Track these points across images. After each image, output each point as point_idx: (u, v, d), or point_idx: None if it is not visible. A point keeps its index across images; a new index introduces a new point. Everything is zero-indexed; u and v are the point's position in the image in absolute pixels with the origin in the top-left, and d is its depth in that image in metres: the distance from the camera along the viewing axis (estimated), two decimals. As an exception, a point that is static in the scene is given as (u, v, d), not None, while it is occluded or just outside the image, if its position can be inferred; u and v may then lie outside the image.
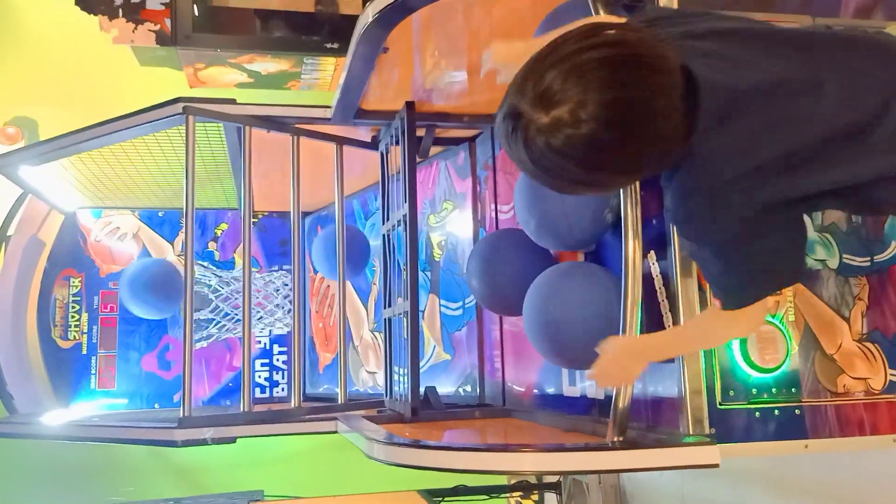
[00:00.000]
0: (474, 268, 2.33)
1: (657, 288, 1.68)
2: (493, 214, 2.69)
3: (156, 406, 3.58)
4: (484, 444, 1.96)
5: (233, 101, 2.47)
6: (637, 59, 0.97)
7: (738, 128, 1.07)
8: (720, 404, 1.59)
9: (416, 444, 1.67)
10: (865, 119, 1.10)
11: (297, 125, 2.60)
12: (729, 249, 1.14)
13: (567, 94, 0.93)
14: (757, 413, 1.60)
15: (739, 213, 1.10)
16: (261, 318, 3.71)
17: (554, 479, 3.96)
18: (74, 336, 3.54)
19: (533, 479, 4.22)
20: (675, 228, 1.20)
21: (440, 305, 2.95)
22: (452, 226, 2.93)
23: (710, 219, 1.12)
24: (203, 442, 2.25)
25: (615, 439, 1.54)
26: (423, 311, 2.98)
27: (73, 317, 3.54)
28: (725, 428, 1.58)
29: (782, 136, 1.09)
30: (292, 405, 2.55)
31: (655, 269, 1.68)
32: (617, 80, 0.94)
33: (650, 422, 1.73)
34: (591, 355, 1.43)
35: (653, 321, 1.65)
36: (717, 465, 1.49)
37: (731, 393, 1.61)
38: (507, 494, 4.15)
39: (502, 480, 4.06)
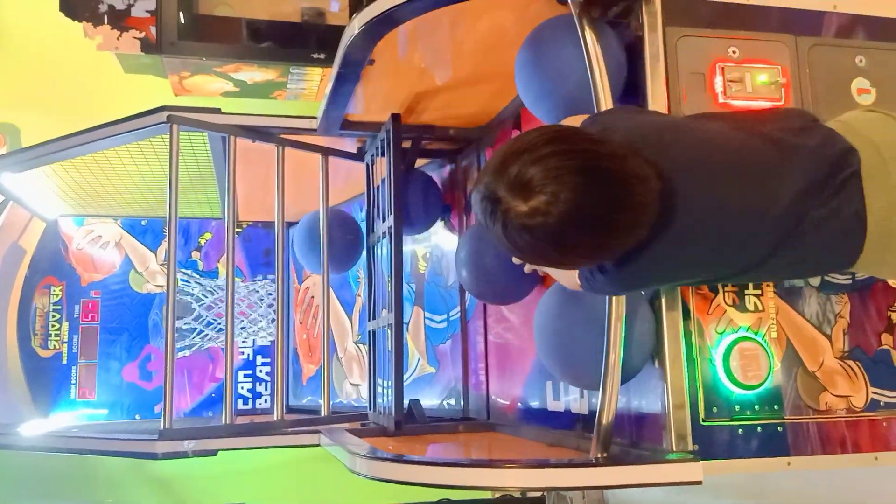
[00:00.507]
0: (463, 257, 2.32)
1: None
2: (479, 227, 2.69)
3: (137, 417, 3.54)
4: (467, 459, 1.95)
5: (217, 111, 2.45)
6: (607, 175, 1.12)
7: (692, 248, 1.27)
8: (703, 420, 1.60)
9: (399, 459, 1.66)
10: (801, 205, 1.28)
11: (282, 135, 2.59)
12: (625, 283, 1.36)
13: (544, 189, 1.08)
14: (740, 430, 1.61)
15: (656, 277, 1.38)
16: (244, 327, 3.68)
17: (539, 493, 3.95)
18: (55, 345, 3.49)
19: (517, 494, 4.21)
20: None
21: (424, 318, 2.94)
22: (437, 238, 2.93)
23: (633, 272, 1.29)
24: (184, 455, 2.23)
25: (598, 455, 1.54)
26: (408, 324, 2.97)
27: (53, 325, 3.50)
28: (708, 444, 1.58)
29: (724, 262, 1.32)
30: (275, 417, 2.53)
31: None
32: (587, 189, 1.10)
33: (634, 437, 1.73)
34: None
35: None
36: (699, 483, 1.49)
37: (715, 409, 1.61)
38: (491, 508, 4.13)
39: (487, 495, 4.04)
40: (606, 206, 1.12)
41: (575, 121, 1.43)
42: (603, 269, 1.30)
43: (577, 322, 1.69)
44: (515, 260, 1.68)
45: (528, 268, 2.01)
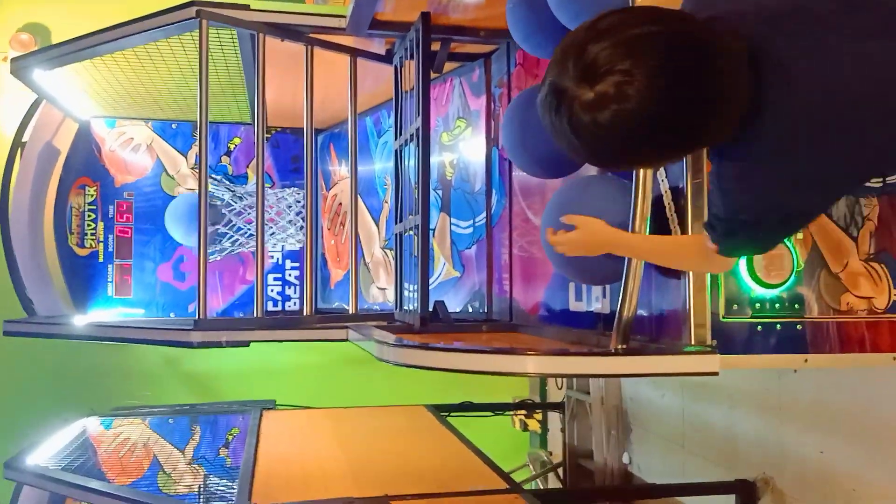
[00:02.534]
0: (507, 127, 2.23)
1: (666, 203, 1.69)
2: (507, 132, 2.68)
3: (171, 315, 3.66)
4: (490, 347, 2.01)
5: (247, 7, 2.44)
6: (687, 38, 0.93)
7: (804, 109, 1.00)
8: (723, 317, 1.62)
9: (425, 346, 1.71)
10: None
11: (311, 35, 2.57)
12: (756, 212, 1.12)
13: (613, 68, 0.89)
14: (759, 327, 1.63)
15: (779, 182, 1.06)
16: (273, 233, 3.75)
17: (558, 399, 4.06)
18: (91, 244, 3.60)
19: (537, 399, 4.33)
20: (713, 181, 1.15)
21: (451, 224, 2.97)
22: (465, 144, 2.92)
23: (758, 187, 1.08)
24: (218, 344, 2.32)
25: (619, 347, 1.58)
26: (434, 230, 3.01)
27: (89, 225, 3.59)
28: (727, 340, 1.61)
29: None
30: (305, 314, 2.61)
31: (665, 185, 1.68)
32: (665, 57, 0.90)
33: (654, 334, 1.76)
34: (606, 269, 1.48)
35: (661, 231, 1.66)
36: (716, 374, 1.53)
37: (735, 307, 1.63)
38: (512, 413, 4.27)
39: (507, 399, 4.17)
40: (689, 79, 0.92)
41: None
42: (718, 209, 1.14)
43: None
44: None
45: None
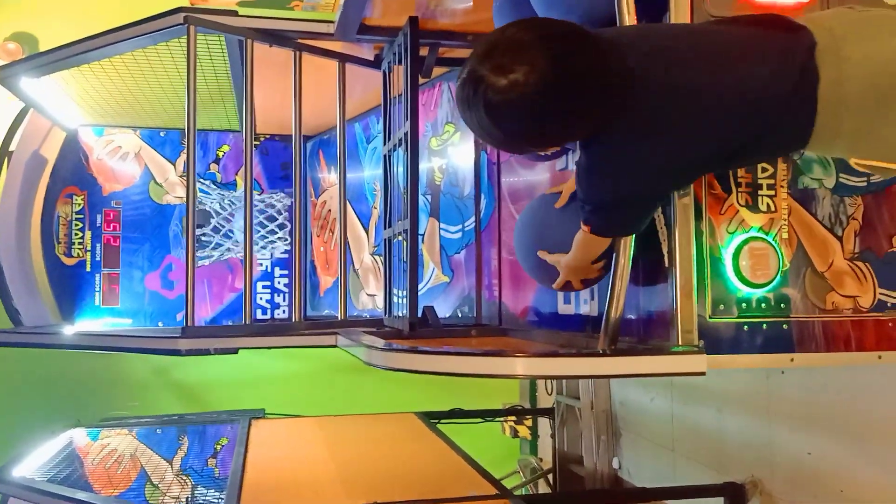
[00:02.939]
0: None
1: (655, 217, 1.70)
2: (495, 137, 2.69)
3: (159, 324, 3.64)
4: (479, 349, 2.01)
5: (235, 13, 2.44)
6: (578, 48, 1.25)
7: (664, 102, 1.34)
8: (710, 318, 1.63)
9: (413, 350, 1.71)
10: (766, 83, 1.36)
11: (299, 40, 2.58)
12: (625, 194, 1.44)
13: (522, 62, 1.20)
14: (745, 327, 1.64)
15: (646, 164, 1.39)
16: (262, 237, 3.74)
17: (548, 404, 4.06)
18: (78, 253, 3.58)
19: (527, 405, 4.33)
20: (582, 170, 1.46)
21: (440, 228, 2.97)
22: (454, 149, 2.93)
23: (625, 163, 1.39)
24: (206, 351, 2.32)
25: (606, 348, 1.58)
26: (423, 234, 3.01)
27: (76, 234, 3.57)
28: (714, 341, 1.62)
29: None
30: (293, 321, 2.60)
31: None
32: (559, 56, 1.22)
33: (641, 336, 1.77)
34: None
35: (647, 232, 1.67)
36: (703, 374, 1.54)
37: (721, 307, 1.64)
38: (502, 419, 4.27)
39: (497, 405, 4.17)
40: (577, 73, 1.24)
41: None
42: (585, 197, 1.46)
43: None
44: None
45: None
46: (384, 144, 2.80)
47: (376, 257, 3.39)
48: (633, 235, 1.55)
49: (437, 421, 3.40)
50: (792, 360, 1.65)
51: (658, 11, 1.60)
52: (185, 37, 2.35)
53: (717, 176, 1.64)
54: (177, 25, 2.35)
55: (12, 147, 3.23)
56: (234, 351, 2.36)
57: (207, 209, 3.64)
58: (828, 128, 1.37)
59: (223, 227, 3.69)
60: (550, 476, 3.91)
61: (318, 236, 3.79)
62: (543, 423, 4.24)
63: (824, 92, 1.33)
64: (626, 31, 1.45)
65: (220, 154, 3.75)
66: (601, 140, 1.35)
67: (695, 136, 1.37)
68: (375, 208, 3.41)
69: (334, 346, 2.45)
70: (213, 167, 3.74)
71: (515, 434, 4.33)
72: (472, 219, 2.79)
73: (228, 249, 3.70)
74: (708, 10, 1.61)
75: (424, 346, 2.25)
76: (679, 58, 1.35)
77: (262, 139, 3.76)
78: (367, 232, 3.47)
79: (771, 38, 1.38)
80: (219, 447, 3.04)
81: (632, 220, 1.51)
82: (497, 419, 4.19)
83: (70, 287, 3.56)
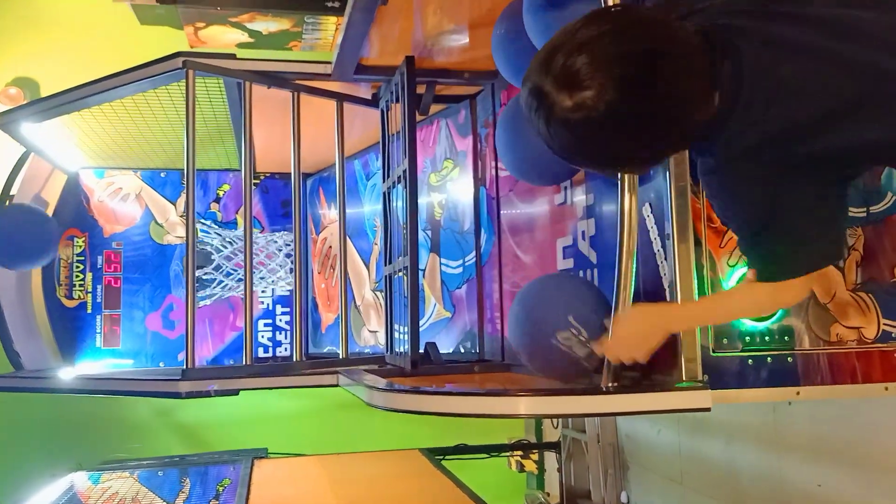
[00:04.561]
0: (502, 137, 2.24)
1: (652, 239, 1.70)
2: (494, 172, 2.70)
3: (161, 365, 3.62)
4: (482, 389, 1.99)
5: (233, 57, 2.47)
6: (658, 55, 1.02)
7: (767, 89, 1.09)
8: (714, 352, 1.62)
9: (416, 391, 1.70)
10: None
11: (297, 81, 2.60)
12: (754, 220, 1.18)
13: (589, 81, 1.00)
14: (750, 360, 1.63)
15: (756, 179, 1.13)
16: (263, 277, 3.74)
17: (554, 438, 4.02)
18: (79, 295, 3.57)
19: (533, 439, 4.28)
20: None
21: (440, 264, 2.97)
22: (453, 184, 2.94)
23: (732, 187, 1.16)
24: (207, 394, 2.29)
25: (609, 385, 1.56)
26: (424, 270, 3.01)
27: (77, 276, 3.58)
28: (718, 375, 1.60)
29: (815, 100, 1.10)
30: (295, 360, 2.59)
31: (651, 221, 1.69)
32: (636, 74, 1.01)
33: (645, 369, 1.75)
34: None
35: (648, 273, 1.66)
36: (708, 409, 1.52)
37: (725, 341, 1.63)
38: (508, 454, 4.21)
39: (502, 440, 4.12)
40: (653, 100, 1.02)
41: None
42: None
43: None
44: None
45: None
46: (383, 181, 2.81)
47: (377, 293, 3.39)
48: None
49: (441, 457, 3.36)
50: (798, 393, 1.64)
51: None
52: (185, 80, 2.37)
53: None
54: (176, 70, 2.37)
55: (13, 191, 3.24)
56: (236, 392, 2.34)
57: (208, 249, 3.64)
58: None
59: (224, 265, 3.69)
60: (558, 511, 3.85)
61: (319, 273, 3.78)
62: (550, 457, 4.19)
63: None
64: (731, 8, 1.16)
65: (221, 193, 3.76)
66: (711, 162, 1.16)
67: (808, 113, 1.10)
68: (376, 244, 3.41)
69: (336, 386, 2.43)
70: (214, 206, 3.75)
71: (522, 468, 4.28)
72: (473, 253, 2.79)
73: (230, 288, 3.69)
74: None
75: (427, 384, 2.23)
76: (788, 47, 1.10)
77: (262, 177, 3.78)
78: (367, 268, 3.47)
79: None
80: (221, 489, 3.00)
81: (799, 246, 1.19)
82: (503, 454, 4.13)
83: (71, 329, 3.55)
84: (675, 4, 1.23)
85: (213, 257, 3.68)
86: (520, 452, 4.16)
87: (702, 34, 1.08)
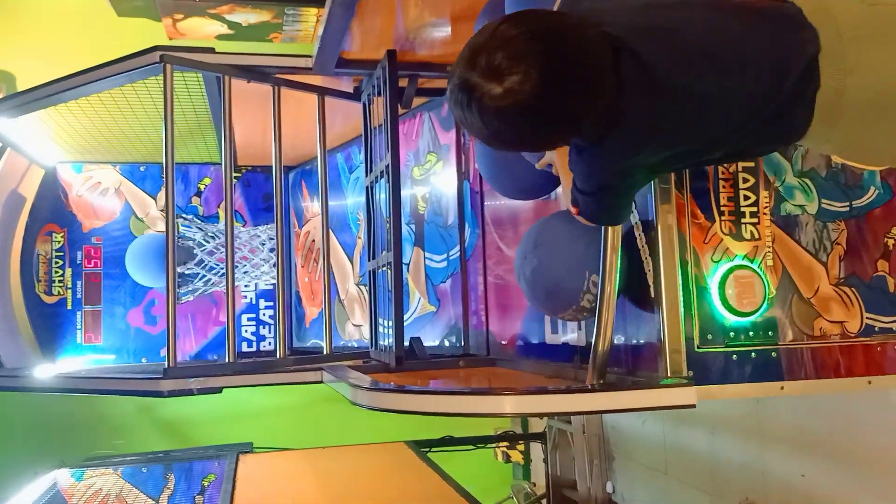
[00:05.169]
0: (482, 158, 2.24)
1: (637, 235, 1.69)
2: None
3: (143, 361, 3.59)
4: (467, 388, 1.99)
5: (211, 51, 2.43)
6: (567, 47, 1.17)
7: (661, 106, 1.26)
8: (698, 348, 1.62)
9: (400, 390, 1.69)
10: (766, 91, 1.27)
11: (277, 75, 2.57)
12: (597, 183, 1.38)
13: (514, 69, 1.13)
14: (734, 356, 1.63)
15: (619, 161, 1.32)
16: (246, 272, 3.70)
17: (539, 429, 4.03)
18: (59, 291, 3.53)
19: (519, 430, 4.29)
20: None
21: (424, 258, 2.96)
22: (436, 178, 2.92)
23: (597, 158, 1.33)
24: (189, 392, 2.27)
25: (594, 382, 1.56)
26: (408, 264, 2.99)
27: (56, 272, 3.53)
28: (703, 371, 1.61)
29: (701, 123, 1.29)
30: (278, 356, 2.57)
31: (635, 218, 1.69)
32: (551, 60, 1.15)
33: (630, 367, 1.75)
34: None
35: (633, 264, 1.66)
36: (693, 406, 1.52)
37: (709, 336, 1.63)
38: (494, 445, 4.22)
39: (489, 431, 4.13)
40: (571, 74, 1.17)
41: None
42: (585, 184, 1.38)
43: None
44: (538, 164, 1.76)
45: (539, 163, 1.88)
46: (366, 176, 2.78)
47: (362, 287, 3.37)
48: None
49: (427, 450, 3.36)
50: (782, 388, 1.64)
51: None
52: (162, 75, 2.33)
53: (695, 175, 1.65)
54: (153, 64, 2.33)
55: (-11, 187, 3.19)
56: (218, 390, 2.32)
57: (190, 244, 3.60)
58: (820, 132, 1.32)
59: (206, 260, 3.65)
60: (544, 501, 3.87)
61: (302, 267, 3.76)
62: (536, 448, 4.21)
63: (822, 99, 1.27)
64: (616, 9, 1.31)
65: (202, 187, 3.72)
66: (595, 138, 1.29)
67: (690, 137, 1.31)
68: (360, 238, 3.39)
69: (320, 382, 2.41)
70: (195, 200, 3.71)
71: (508, 459, 4.29)
72: (457, 247, 2.78)
73: (212, 283, 3.65)
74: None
75: (412, 381, 2.22)
76: (683, 59, 1.25)
77: (243, 171, 3.74)
78: (351, 262, 3.45)
79: (777, 38, 1.29)
80: (206, 483, 2.99)
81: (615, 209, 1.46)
82: (489, 445, 4.15)
83: (51, 326, 3.51)
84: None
85: (195, 252, 3.63)
86: (506, 443, 4.17)
87: (603, 33, 1.22)
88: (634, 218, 1.68)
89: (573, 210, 1.46)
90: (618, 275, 1.56)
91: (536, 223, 1.91)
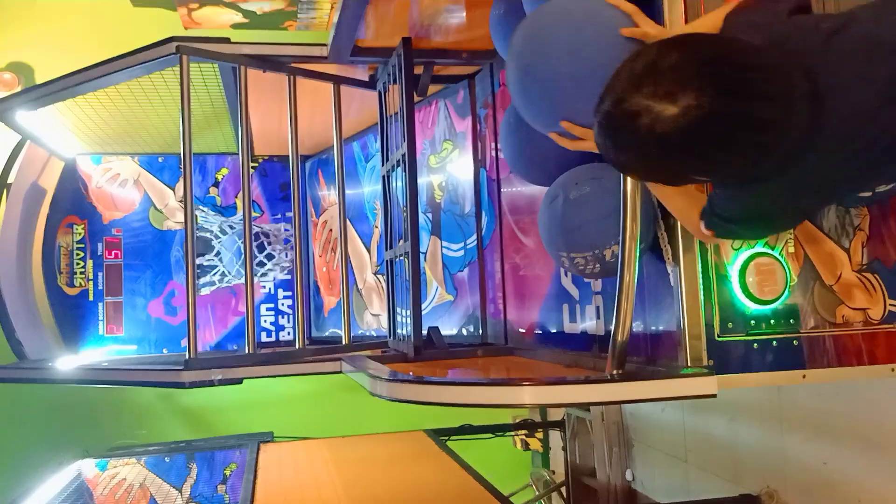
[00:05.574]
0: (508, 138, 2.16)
1: (656, 221, 1.67)
2: (494, 153, 2.67)
3: (164, 351, 3.62)
4: (486, 378, 1.98)
5: (227, 41, 2.42)
6: (743, 72, 1.09)
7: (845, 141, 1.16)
8: (718, 336, 1.60)
9: (419, 380, 1.69)
10: None
11: (293, 64, 2.56)
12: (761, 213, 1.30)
13: (688, 89, 1.06)
14: (755, 344, 1.61)
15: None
16: (260, 263, 3.72)
17: (558, 417, 4.03)
18: (80, 283, 3.56)
19: (537, 418, 4.29)
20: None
21: (442, 247, 2.95)
22: (453, 166, 2.91)
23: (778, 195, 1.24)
24: (210, 383, 2.29)
25: (614, 372, 1.55)
26: (426, 253, 2.99)
27: (77, 264, 3.56)
28: (723, 359, 1.59)
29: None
30: (297, 347, 2.58)
31: (654, 203, 1.66)
32: (726, 82, 1.08)
33: (649, 356, 1.74)
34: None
35: (651, 256, 1.65)
36: (714, 396, 1.51)
37: (730, 325, 1.61)
38: (512, 433, 4.23)
39: (507, 419, 4.13)
40: (748, 98, 1.09)
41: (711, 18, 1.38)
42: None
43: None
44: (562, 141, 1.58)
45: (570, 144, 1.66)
46: (382, 164, 2.78)
47: (379, 276, 3.37)
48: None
49: (447, 438, 3.37)
50: (804, 376, 1.62)
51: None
52: (179, 66, 2.33)
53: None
54: (170, 55, 2.33)
55: (10, 179, 3.22)
56: (239, 381, 2.33)
57: (208, 236, 3.62)
58: None
59: (226, 251, 3.67)
60: (564, 489, 3.87)
61: (320, 256, 3.77)
62: (555, 436, 4.20)
63: None
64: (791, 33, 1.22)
65: (220, 177, 3.73)
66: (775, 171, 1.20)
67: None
68: (376, 227, 3.39)
69: (339, 373, 2.42)
70: (213, 191, 3.72)
71: (527, 447, 4.30)
72: (475, 236, 2.77)
73: (231, 275, 3.67)
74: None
75: (430, 370, 2.23)
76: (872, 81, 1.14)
77: (260, 160, 3.75)
78: (368, 251, 3.45)
79: None
80: (228, 473, 3.02)
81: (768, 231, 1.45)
82: (508, 433, 4.15)
83: (73, 317, 3.55)
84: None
85: (213, 244, 3.65)
86: (524, 431, 4.18)
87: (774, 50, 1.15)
88: (654, 204, 1.66)
89: (706, 233, 1.38)
90: (636, 264, 1.54)
91: (584, 167, 1.81)
